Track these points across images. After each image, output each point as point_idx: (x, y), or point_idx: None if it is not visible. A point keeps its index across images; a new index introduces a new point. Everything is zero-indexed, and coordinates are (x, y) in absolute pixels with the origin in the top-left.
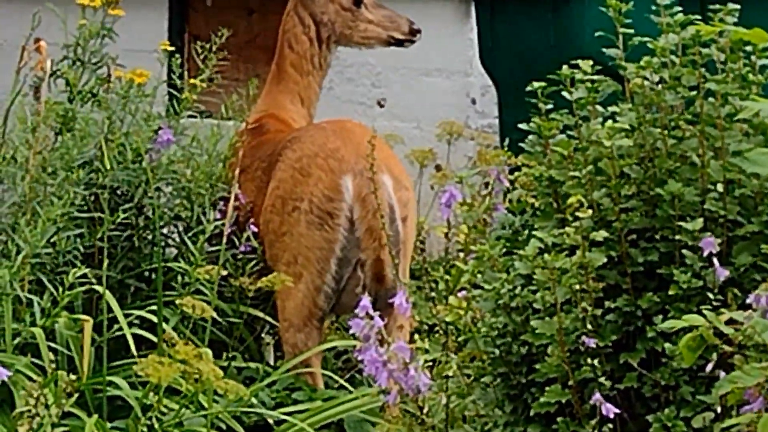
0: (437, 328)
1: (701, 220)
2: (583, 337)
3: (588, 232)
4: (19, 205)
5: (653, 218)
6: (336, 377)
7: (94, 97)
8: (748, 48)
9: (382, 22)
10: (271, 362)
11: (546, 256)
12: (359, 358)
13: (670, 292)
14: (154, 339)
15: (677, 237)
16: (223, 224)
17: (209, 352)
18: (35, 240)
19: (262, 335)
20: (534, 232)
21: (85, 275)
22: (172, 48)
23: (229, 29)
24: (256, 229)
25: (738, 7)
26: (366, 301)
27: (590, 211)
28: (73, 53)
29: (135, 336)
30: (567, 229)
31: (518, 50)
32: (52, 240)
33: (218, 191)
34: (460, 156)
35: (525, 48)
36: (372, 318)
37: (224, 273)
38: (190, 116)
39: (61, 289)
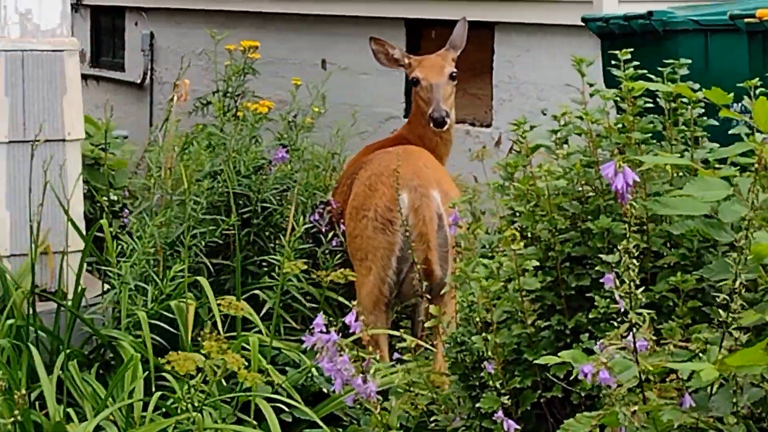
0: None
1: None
2: (485, 363)
3: (521, 261)
4: (155, 210)
5: (587, 248)
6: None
7: (236, 119)
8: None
9: (429, 101)
10: None
11: (483, 282)
12: (319, 364)
13: (591, 315)
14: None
15: (597, 267)
16: (319, 223)
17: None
18: (162, 236)
19: None
20: (483, 259)
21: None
22: None
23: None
24: (344, 228)
25: None
26: (320, 318)
27: (522, 244)
28: (224, 85)
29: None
30: (501, 258)
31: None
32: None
33: (318, 198)
34: None
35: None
36: (328, 332)
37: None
38: None
39: (165, 280)
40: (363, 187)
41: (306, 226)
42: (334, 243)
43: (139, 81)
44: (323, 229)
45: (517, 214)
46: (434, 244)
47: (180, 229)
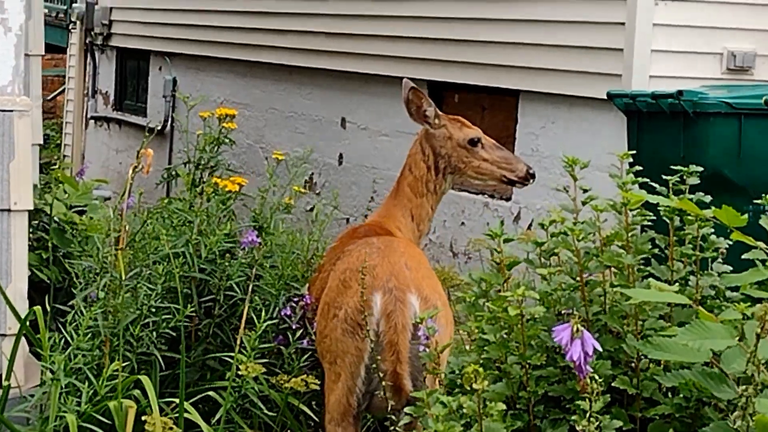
0: None
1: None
2: None
3: (489, 401)
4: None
5: (566, 388)
6: None
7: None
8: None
9: (498, 161)
10: None
11: (439, 426)
12: None
13: None
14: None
15: (573, 418)
16: (290, 319)
17: None
18: (108, 325)
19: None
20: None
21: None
22: None
23: (469, 121)
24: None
25: None
26: None
27: (486, 383)
28: (195, 157)
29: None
30: (462, 398)
31: (655, 159)
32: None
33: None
34: None
35: (660, 158)
36: None
37: (263, 370)
38: None
39: (101, 378)
40: (337, 282)
41: (272, 321)
42: (305, 342)
43: (159, 128)
44: (293, 326)
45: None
46: (405, 356)
47: (129, 317)
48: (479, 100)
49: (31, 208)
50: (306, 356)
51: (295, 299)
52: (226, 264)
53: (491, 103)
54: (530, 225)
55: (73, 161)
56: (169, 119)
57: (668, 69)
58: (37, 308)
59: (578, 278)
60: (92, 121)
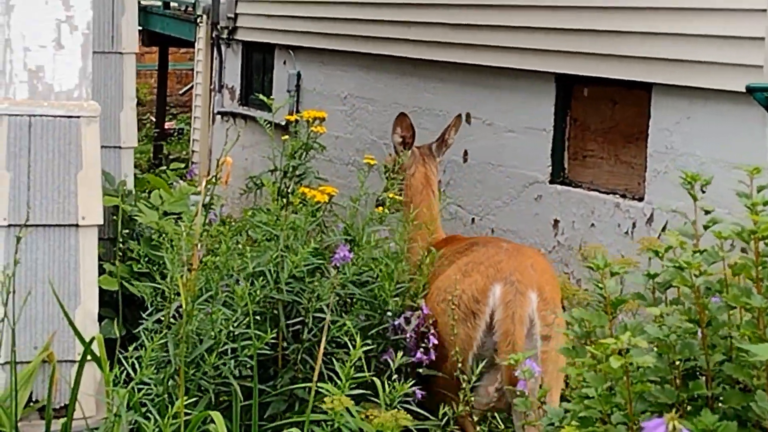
0: None
1: None
2: None
3: None
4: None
5: None
6: None
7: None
8: None
9: None
10: None
11: None
12: None
13: None
14: None
15: None
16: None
17: None
18: (181, 354)
19: None
20: None
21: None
22: None
23: (599, 116)
24: (436, 341)
25: None
26: None
27: None
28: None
29: None
30: None
31: None
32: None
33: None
34: None
35: None
36: None
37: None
38: None
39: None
40: (457, 271)
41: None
42: (418, 355)
43: (284, 123)
44: (407, 336)
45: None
46: (521, 348)
47: (205, 345)
48: (609, 93)
49: (101, 222)
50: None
51: (409, 312)
52: (316, 283)
53: (622, 97)
54: (664, 227)
55: (201, 157)
56: (294, 114)
57: None
58: (99, 336)
59: (697, 319)
60: (218, 116)
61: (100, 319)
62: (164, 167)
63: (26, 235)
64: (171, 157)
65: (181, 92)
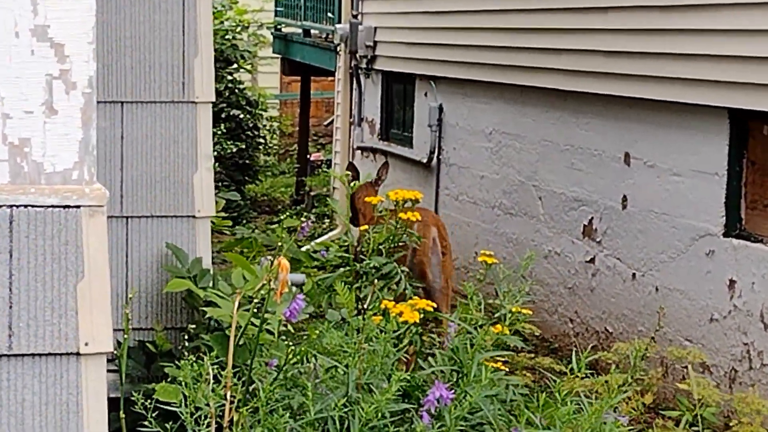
0: None
1: None
2: None
3: None
4: None
5: None
6: None
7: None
8: None
9: None
10: None
11: None
12: None
13: None
14: None
15: None
16: None
17: None
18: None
19: None
20: None
21: None
22: None
23: None
24: None
25: None
26: None
27: None
28: None
29: None
30: None
31: None
32: None
33: None
34: None
35: None
36: None
37: None
38: None
39: None
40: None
41: None
42: None
43: (425, 161)
44: None
45: None
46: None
47: None
48: None
49: (111, 350)
50: None
51: None
52: None
53: None
54: None
55: (340, 195)
56: (436, 151)
57: None
58: None
59: None
60: (358, 152)
61: None
62: (295, 208)
63: (8, 368)
64: (313, 193)
65: (326, 123)
